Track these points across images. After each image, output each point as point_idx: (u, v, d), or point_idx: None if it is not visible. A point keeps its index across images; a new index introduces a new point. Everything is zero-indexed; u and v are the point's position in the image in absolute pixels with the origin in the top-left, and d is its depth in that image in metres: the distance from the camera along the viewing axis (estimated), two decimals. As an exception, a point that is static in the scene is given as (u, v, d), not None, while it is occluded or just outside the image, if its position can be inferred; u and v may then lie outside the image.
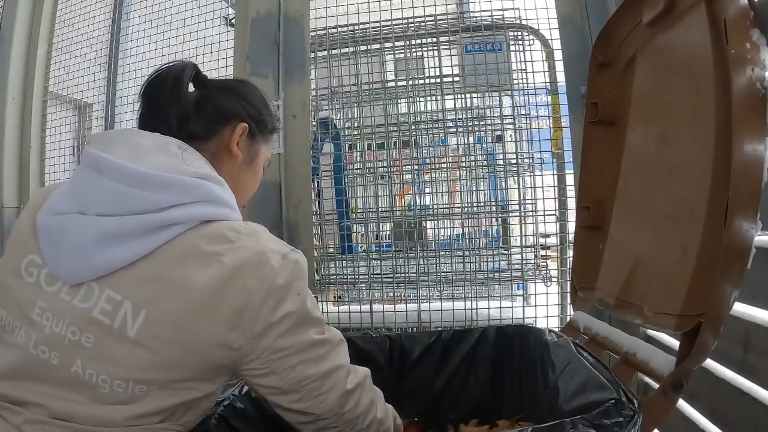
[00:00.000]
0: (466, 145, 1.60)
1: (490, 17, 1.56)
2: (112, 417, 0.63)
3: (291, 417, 0.75)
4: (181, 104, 0.78)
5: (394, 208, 1.69)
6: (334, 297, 1.69)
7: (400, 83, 1.66)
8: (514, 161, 1.55)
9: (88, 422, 0.63)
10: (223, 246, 0.67)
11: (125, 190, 0.66)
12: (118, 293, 0.64)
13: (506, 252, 1.69)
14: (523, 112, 1.55)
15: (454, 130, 1.63)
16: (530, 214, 1.54)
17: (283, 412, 0.75)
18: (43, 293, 0.66)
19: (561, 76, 1.46)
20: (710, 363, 0.93)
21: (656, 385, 0.77)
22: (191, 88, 0.82)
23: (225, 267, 0.66)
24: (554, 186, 1.53)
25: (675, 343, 0.95)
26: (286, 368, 0.71)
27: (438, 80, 1.62)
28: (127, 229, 0.65)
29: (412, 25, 1.59)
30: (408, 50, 1.63)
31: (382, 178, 1.65)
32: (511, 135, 1.60)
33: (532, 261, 1.58)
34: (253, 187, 0.89)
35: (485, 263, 1.56)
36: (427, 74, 1.68)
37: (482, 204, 1.59)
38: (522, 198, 1.59)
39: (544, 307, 1.46)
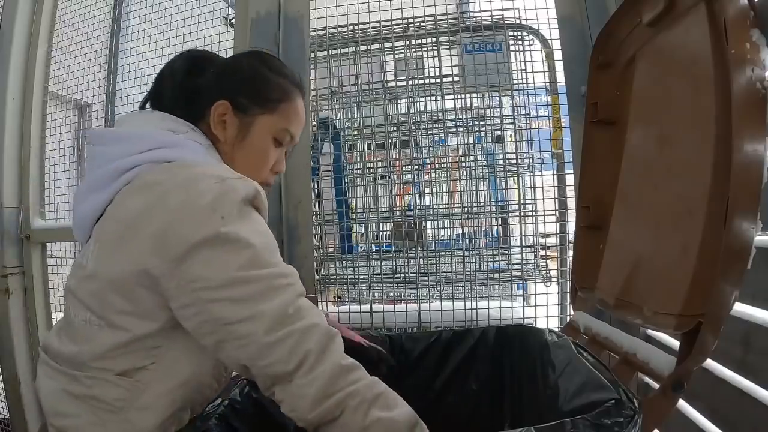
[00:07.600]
0: (466, 145, 1.60)
1: (489, 17, 1.56)
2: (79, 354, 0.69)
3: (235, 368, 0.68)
4: (169, 95, 0.81)
5: (394, 208, 1.69)
6: (334, 297, 1.69)
7: (400, 83, 1.66)
8: (514, 161, 1.54)
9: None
10: (165, 176, 0.68)
11: (100, 150, 0.74)
12: (94, 235, 0.72)
13: (506, 252, 1.69)
14: (523, 112, 1.55)
15: (454, 130, 1.63)
16: (530, 214, 1.53)
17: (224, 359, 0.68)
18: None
19: (561, 76, 1.46)
20: (710, 363, 0.93)
21: (656, 385, 0.77)
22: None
23: (155, 192, 0.67)
24: (554, 186, 1.53)
25: (675, 343, 0.95)
26: (203, 303, 0.62)
27: (438, 80, 1.61)
28: (99, 181, 0.72)
29: (412, 25, 1.59)
30: (408, 50, 1.63)
31: (382, 178, 1.65)
32: (511, 135, 1.59)
33: (532, 261, 1.58)
34: (250, 163, 0.81)
35: (485, 263, 1.55)
36: (427, 74, 1.68)
37: (482, 204, 1.59)
38: (522, 198, 1.59)
39: (544, 307, 1.46)
